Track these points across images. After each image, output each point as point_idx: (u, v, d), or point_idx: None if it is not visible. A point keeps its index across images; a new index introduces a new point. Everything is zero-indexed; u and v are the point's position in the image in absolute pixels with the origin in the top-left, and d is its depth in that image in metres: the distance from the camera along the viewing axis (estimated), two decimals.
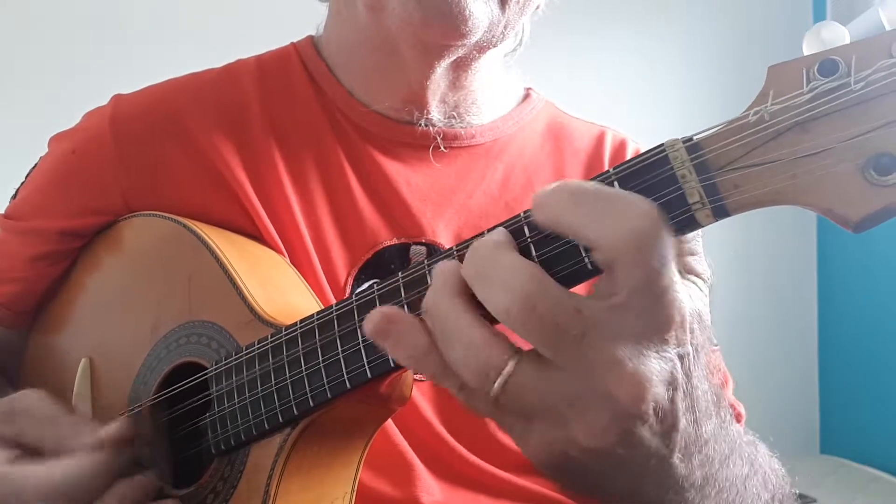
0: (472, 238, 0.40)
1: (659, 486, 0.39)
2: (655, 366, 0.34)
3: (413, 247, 0.64)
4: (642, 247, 0.32)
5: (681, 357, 0.35)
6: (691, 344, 0.36)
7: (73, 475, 0.48)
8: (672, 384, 0.35)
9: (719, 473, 0.42)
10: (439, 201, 0.66)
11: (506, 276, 0.34)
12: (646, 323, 0.34)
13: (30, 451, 0.50)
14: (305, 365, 0.46)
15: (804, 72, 0.33)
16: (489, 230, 0.40)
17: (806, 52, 0.33)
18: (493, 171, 0.68)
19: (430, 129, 0.67)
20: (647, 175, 0.35)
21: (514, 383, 0.34)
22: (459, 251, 0.41)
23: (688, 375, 0.36)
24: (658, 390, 0.34)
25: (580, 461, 0.36)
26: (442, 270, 0.38)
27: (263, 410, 0.48)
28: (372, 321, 0.38)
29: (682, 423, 0.37)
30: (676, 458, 0.38)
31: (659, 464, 0.38)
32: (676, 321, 0.34)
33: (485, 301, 0.35)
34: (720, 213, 0.34)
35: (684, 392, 0.36)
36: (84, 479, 0.48)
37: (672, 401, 0.35)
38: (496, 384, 0.34)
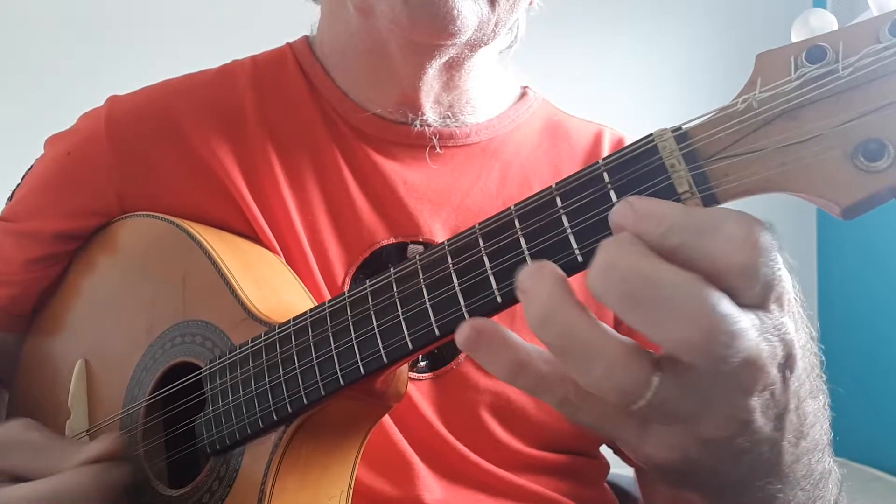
0: (465, 232, 0.40)
1: (768, 477, 0.37)
2: (777, 345, 0.32)
3: (410, 245, 0.64)
4: (753, 269, 0.30)
5: (795, 330, 0.33)
6: (793, 319, 0.34)
7: (61, 491, 0.47)
8: (789, 364, 0.33)
9: (818, 465, 0.40)
10: (436, 200, 0.66)
11: (682, 303, 0.29)
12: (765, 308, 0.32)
13: (18, 480, 0.50)
14: (299, 362, 0.46)
15: (792, 59, 0.33)
16: (481, 224, 0.39)
17: (794, 39, 0.33)
18: (489, 169, 0.68)
19: (426, 129, 0.67)
20: (636, 165, 0.35)
21: (660, 395, 0.31)
22: (451, 246, 0.41)
23: (802, 353, 0.34)
24: (774, 372, 0.32)
25: (700, 457, 0.34)
26: (552, 276, 0.32)
27: (257, 409, 0.48)
28: (462, 333, 0.34)
29: (793, 404, 0.35)
30: (787, 443, 0.36)
31: (770, 450, 0.36)
32: (787, 298, 0.32)
33: (645, 329, 0.30)
34: (710, 201, 0.34)
35: (792, 372, 0.34)
36: (72, 495, 0.47)
37: (784, 381, 0.34)
38: (644, 400, 0.31)
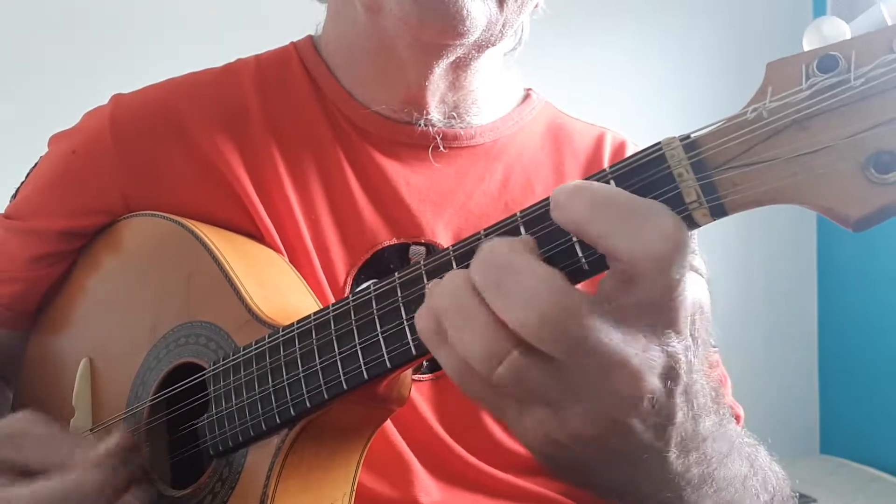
0: (470, 238, 0.40)
1: (655, 482, 0.39)
2: (655, 357, 0.34)
3: (412, 247, 0.64)
4: (668, 265, 0.32)
5: (683, 351, 0.35)
6: (691, 336, 0.36)
7: (72, 489, 0.47)
8: (671, 376, 0.35)
9: (717, 472, 0.42)
10: (439, 201, 0.66)
11: (525, 289, 0.33)
12: (654, 322, 0.34)
13: (29, 474, 0.49)
14: (302, 366, 0.46)
15: (803, 68, 0.32)
16: (487, 230, 0.39)
17: (806, 47, 0.33)
18: (492, 171, 0.68)
19: (430, 129, 0.66)
20: (644, 174, 0.35)
21: (517, 371, 0.34)
22: (456, 252, 0.40)
23: (688, 368, 0.36)
24: (655, 382, 0.34)
25: (573, 449, 0.36)
26: (452, 273, 0.37)
27: (261, 411, 0.48)
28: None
29: (679, 416, 0.37)
30: (672, 454, 0.38)
31: (654, 458, 0.38)
32: (682, 319, 0.34)
33: (497, 309, 0.34)
34: (718, 212, 0.34)
35: (684, 385, 0.36)
36: (82, 495, 0.47)
37: (670, 394, 0.35)
38: (498, 371, 0.34)
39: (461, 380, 0.37)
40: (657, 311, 0.34)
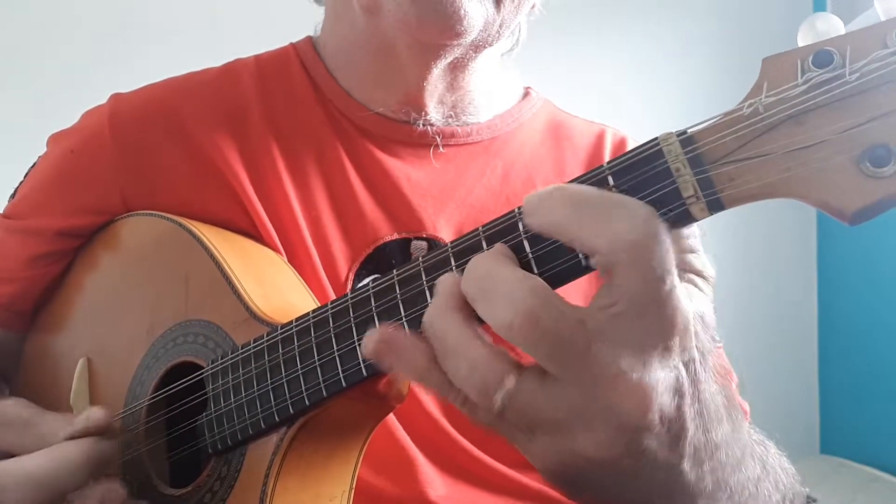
0: (468, 234, 0.40)
1: (668, 494, 0.39)
2: (660, 375, 0.33)
3: (414, 241, 0.64)
4: (641, 252, 0.32)
5: (686, 364, 0.35)
6: (696, 349, 0.35)
7: (48, 465, 0.46)
8: (678, 392, 0.35)
9: (731, 478, 0.41)
10: (440, 197, 0.66)
11: (506, 291, 0.34)
12: (648, 330, 0.33)
13: (10, 457, 0.49)
14: (301, 363, 0.46)
15: (799, 63, 0.32)
16: (485, 227, 0.40)
17: (801, 43, 0.33)
18: (492, 167, 0.69)
19: (429, 128, 0.67)
20: (641, 169, 0.35)
21: (517, 398, 0.34)
22: (454, 248, 0.40)
23: (694, 382, 0.35)
24: (663, 399, 0.34)
25: (586, 471, 0.36)
26: (442, 285, 0.37)
27: (259, 409, 0.48)
28: (371, 341, 0.38)
29: (691, 430, 0.36)
30: (686, 466, 0.37)
31: (667, 472, 0.37)
32: (679, 327, 0.33)
33: (486, 317, 0.34)
34: (715, 206, 0.34)
35: (691, 398, 0.35)
36: (59, 468, 0.46)
37: (679, 408, 0.35)
38: (498, 399, 0.34)
39: (468, 411, 0.37)
40: (647, 315, 0.33)
